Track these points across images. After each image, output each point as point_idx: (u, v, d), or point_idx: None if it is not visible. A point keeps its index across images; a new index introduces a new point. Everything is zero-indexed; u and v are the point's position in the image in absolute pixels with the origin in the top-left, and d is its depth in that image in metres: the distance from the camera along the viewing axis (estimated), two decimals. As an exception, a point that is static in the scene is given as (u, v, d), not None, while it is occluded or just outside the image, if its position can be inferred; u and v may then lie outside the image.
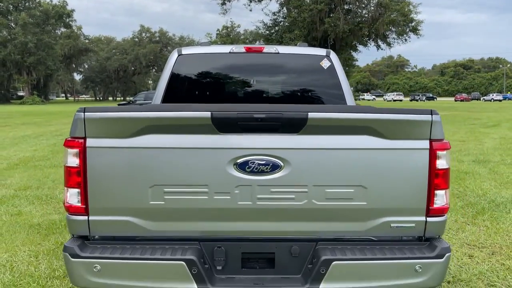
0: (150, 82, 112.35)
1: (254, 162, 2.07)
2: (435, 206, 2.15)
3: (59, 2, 68.84)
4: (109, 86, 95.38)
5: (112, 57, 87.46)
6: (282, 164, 2.08)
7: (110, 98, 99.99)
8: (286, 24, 36.02)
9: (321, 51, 3.94)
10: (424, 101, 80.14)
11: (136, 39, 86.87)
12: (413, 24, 32.96)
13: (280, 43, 34.99)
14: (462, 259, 3.89)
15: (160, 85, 3.87)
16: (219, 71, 4.03)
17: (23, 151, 11.18)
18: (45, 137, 14.83)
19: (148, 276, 2.06)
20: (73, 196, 2.12)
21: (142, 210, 2.11)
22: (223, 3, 38.65)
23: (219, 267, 2.15)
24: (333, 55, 3.92)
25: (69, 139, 2.09)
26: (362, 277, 2.09)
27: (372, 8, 33.55)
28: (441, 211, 2.18)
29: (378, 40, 35.91)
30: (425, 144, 2.11)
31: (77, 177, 2.10)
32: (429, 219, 2.16)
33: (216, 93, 4.00)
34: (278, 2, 38.03)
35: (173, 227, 2.15)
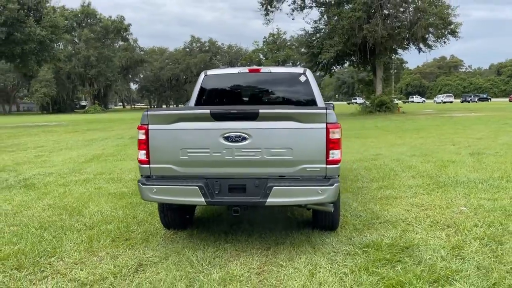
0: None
1: (233, 136, 3.96)
2: (330, 158, 3.94)
3: (117, 17, 74.44)
4: (163, 94, 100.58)
5: (165, 67, 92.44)
6: (247, 136, 3.95)
7: (164, 106, 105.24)
8: (327, 31, 37.49)
9: (300, 70, 5.79)
10: (476, 102, 78.04)
11: (187, 49, 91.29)
12: (451, 26, 33.48)
13: (321, 49, 36.61)
14: (400, 212, 5.56)
15: (193, 94, 5.89)
16: (230, 85, 6.01)
17: (94, 150, 13.75)
18: (110, 140, 17.52)
19: (179, 194, 4.01)
20: (142, 155, 4.13)
21: (176, 161, 4.06)
22: (266, 14, 40.86)
23: (216, 192, 4.04)
24: (308, 72, 5.76)
25: (140, 125, 4.10)
26: (290, 195, 3.91)
27: (411, 12, 34.36)
28: (335, 162, 3.96)
29: (420, 44, 36.55)
30: (323, 125, 3.91)
31: (144, 145, 4.10)
32: (327, 166, 3.95)
33: (228, 99, 5.98)
34: (319, 10, 39.72)
35: (192, 170, 4.08)
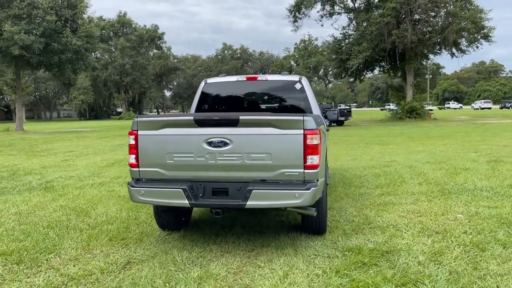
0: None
1: (215, 141, 4.15)
2: (307, 164, 4.06)
3: (151, 26, 76.36)
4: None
5: (198, 74, 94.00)
6: (229, 142, 4.13)
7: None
8: (355, 37, 37.26)
9: (296, 78, 5.94)
10: (516, 108, 75.23)
11: (219, 57, 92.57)
12: (484, 31, 32.55)
13: (349, 55, 36.42)
14: (393, 218, 5.58)
15: (194, 101, 6.14)
16: (229, 92, 6.23)
17: (118, 155, 14.28)
18: (135, 145, 18.09)
19: (165, 196, 4.23)
20: (132, 159, 4.39)
21: (163, 165, 4.30)
22: (295, 21, 41.05)
23: (200, 195, 4.24)
24: (303, 80, 5.90)
25: (130, 131, 4.36)
26: (268, 198, 4.06)
27: (442, 17, 33.69)
28: (312, 167, 4.08)
29: (452, 48, 35.72)
30: (301, 131, 4.05)
31: (134, 149, 4.36)
32: (305, 170, 4.08)
33: (227, 105, 6.19)
34: (348, 16, 39.56)
35: (177, 174, 4.30)
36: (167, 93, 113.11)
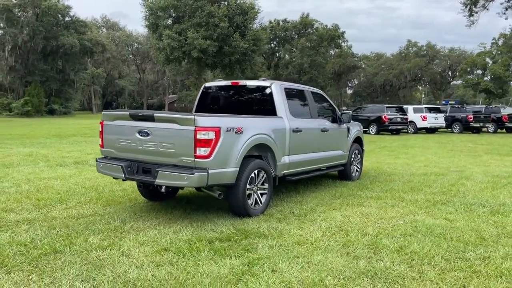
0: (423, 96, 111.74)
1: (143, 131, 5.49)
2: (197, 154, 5.04)
3: (332, 26, 78.17)
4: (375, 99, 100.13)
5: (379, 72, 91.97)
6: (150, 133, 5.41)
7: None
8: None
9: (268, 83, 6.72)
10: None
11: (403, 54, 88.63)
12: None
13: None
14: (333, 216, 5.92)
15: (195, 101, 7.50)
16: (219, 95, 7.36)
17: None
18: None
19: (111, 170, 5.76)
20: (100, 141, 6.06)
21: (114, 147, 5.83)
22: (470, 15, 37.26)
23: (135, 171, 5.63)
24: (274, 86, 6.65)
25: (100, 121, 6.04)
26: (167, 178, 5.19)
27: None
28: (202, 157, 5.04)
29: None
30: (192, 128, 5.05)
31: (101, 134, 6.02)
32: (196, 159, 5.07)
33: (217, 105, 7.34)
34: (537, 6, 34.02)
35: (122, 154, 5.76)
36: (348, 91, 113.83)
